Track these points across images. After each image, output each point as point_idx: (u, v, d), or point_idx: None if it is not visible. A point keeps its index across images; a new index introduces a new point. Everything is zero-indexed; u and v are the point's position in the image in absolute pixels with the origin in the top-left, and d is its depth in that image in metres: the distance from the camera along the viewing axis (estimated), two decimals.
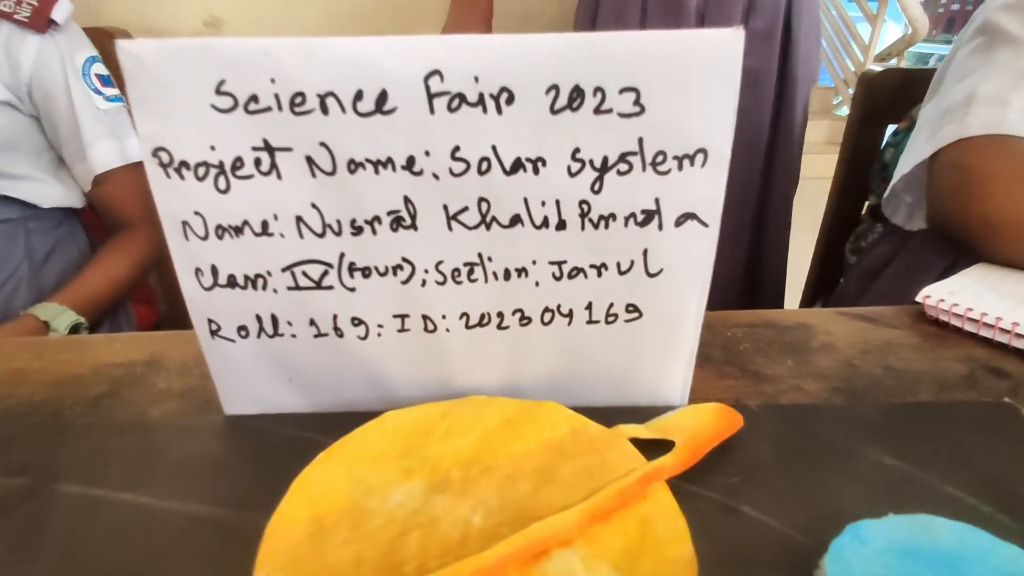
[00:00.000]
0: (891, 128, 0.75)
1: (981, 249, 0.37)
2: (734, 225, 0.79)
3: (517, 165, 0.17)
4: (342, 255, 0.18)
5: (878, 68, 0.76)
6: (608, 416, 0.20)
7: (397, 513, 0.17)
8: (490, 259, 0.18)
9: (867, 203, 0.75)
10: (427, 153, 0.17)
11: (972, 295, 0.30)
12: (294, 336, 0.19)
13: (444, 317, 0.19)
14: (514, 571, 0.15)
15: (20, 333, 0.56)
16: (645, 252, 0.18)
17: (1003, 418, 0.23)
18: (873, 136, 0.75)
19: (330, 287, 0.18)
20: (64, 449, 0.21)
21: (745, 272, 0.85)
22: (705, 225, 0.18)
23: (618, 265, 0.19)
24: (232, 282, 0.18)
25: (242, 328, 0.19)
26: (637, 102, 0.16)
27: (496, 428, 0.20)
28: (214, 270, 0.18)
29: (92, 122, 0.62)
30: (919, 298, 0.31)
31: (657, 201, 0.17)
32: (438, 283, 0.19)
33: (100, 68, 0.63)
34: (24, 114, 0.60)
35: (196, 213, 0.17)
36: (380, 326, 0.19)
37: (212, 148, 0.16)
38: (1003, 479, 0.19)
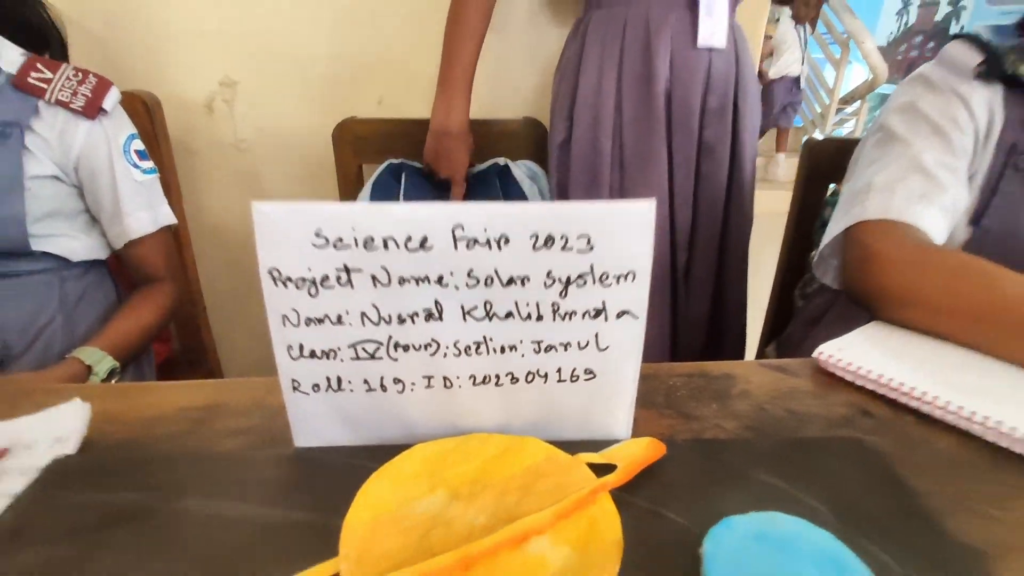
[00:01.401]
0: (831, 187, 0.87)
1: (875, 313, 0.47)
2: (699, 277, 0.89)
3: (510, 281, 0.25)
4: (390, 337, 0.26)
5: (819, 137, 0.87)
6: (572, 447, 0.28)
7: (425, 516, 0.25)
8: (491, 339, 0.27)
9: (812, 254, 0.86)
10: (451, 273, 0.25)
11: (857, 352, 0.40)
12: (351, 391, 0.28)
13: (458, 378, 0.28)
14: (505, 552, 0.23)
15: (66, 375, 0.63)
16: (596, 335, 0.27)
17: (859, 449, 0.32)
18: (816, 194, 0.86)
19: (380, 358, 0.27)
20: (169, 474, 0.29)
21: (710, 319, 0.94)
22: (636, 318, 0.27)
23: (578, 343, 0.27)
24: (312, 355, 0.26)
25: (315, 385, 0.27)
26: (589, 243, 0.25)
27: (493, 457, 0.28)
28: (301, 347, 0.26)
29: (131, 194, 0.71)
30: (815, 354, 0.40)
31: (604, 303, 0.26)
32: (455, 355, 0.27)
33: (138, 144, 0.72)
34: (68, 185, 0.68)
35: (293, 309, 0.26)
36: (413, 384, 0.28)
37: (308, 269, 0.25)
38: (844, 492, 0.28)
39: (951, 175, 0.51)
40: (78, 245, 0.71)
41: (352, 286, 0.25)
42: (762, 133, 3.71)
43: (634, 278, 0.26)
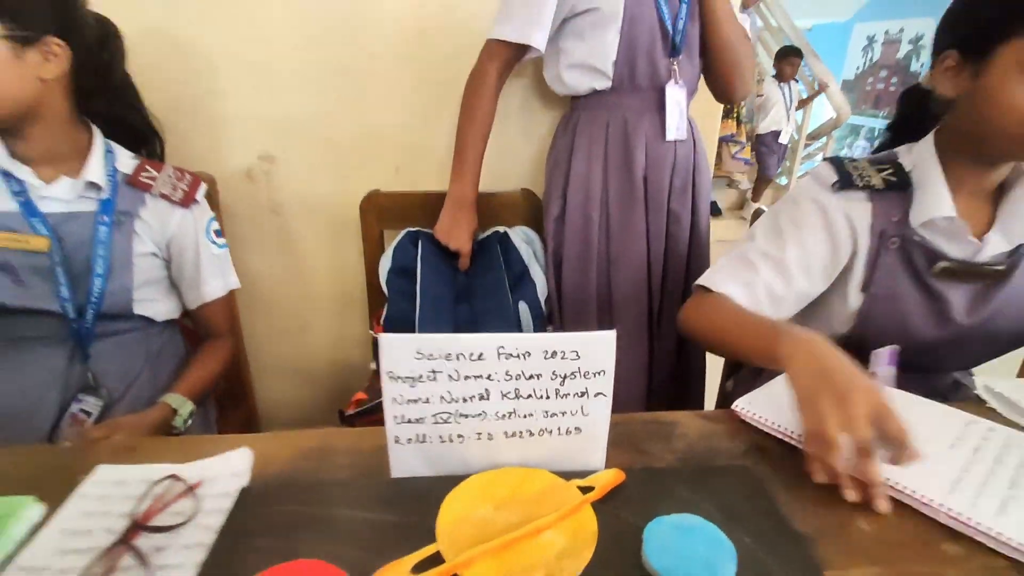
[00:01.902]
0: None
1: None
2: (668, 317, 1.07)
3: (530, 376, 0.43)
4: (457, 410, 0.44)
5: (764, 208, 1.07)
6: (567, 475, 0.46)
7: (482, 518, 0.42)
8: (518, 411, 0.44)
9: None
10: (495, 372, 0.42)
11: (760, 406, 0.57)
12: (431, 443, 0.45)
13: (497, 434, 0.45)
14: (528, 539, 0.40)
15: (159, 417, 0.78)
16: (582, 407, 0.44)
17: (745, 473, 0.49)
18: None
19: (450, 423, 0.44)
20: (315, 493, 0.45)
21: (677, 354, 1.12)
22: (605, 396, 0.44)
23: (571, 412, 0.45)
24: (409, 421, 0.44)
25: (409, 439, 0.44)
26: (577, 355, 0.42)
27: (518, 483, 0.45)
28: (403, 416, 0.43)
29: (209, 265, 0.87)
30: (733, 406, 0.58)
31: (586, 389, 0.44)
32: (495, 420, 0.44)
33: (216, 225, 0.88)
34: (160, 259, 0.84)
35: (400, 394, 0.43)
36: (469, 438, 0.45)
37: (411, 371, 0.42)
38: (730, 501, 0.45)
39: (770, 263, 0.70)
40: (162, 307, 0.87)
41: (436, 380, 0.42)
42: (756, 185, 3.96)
43: (604, 374, 0.43)
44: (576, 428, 0.45)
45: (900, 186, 0.68)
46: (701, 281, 0.74)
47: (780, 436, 0.54)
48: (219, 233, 0.90)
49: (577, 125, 1.02)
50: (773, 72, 3.89)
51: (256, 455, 0.50)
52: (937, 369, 0.77)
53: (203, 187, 0.85)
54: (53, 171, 0.76)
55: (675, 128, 1.02)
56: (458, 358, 0.42)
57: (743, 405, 0.57)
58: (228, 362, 0.94)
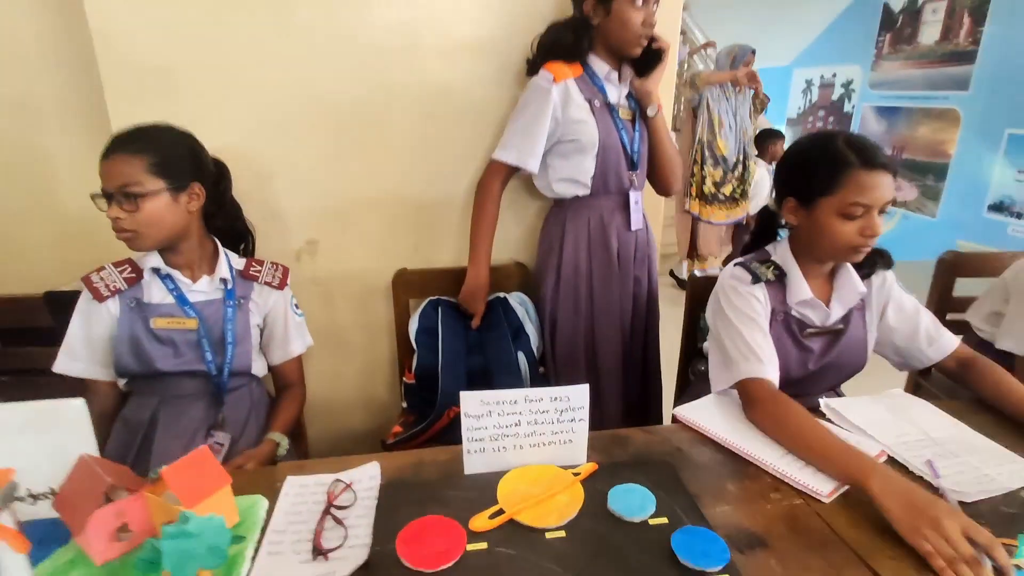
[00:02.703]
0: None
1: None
2: (635, 357, 1.45)
3: (543, 411, 0.78)
4: (502, 432, 0.78)
5: (699, 274, 1.45)
6: (565, 467, 0.80)
7: (521, 491, 0.76)
8: (535, 432, 0.79)
9: (700, 344, 1.41)
10: (523, 410, 0.77)
11: (697, 414, 0.93)
12: (488, 452, 0.79)
13: (525, 445, 0.79)
14: (548, 500, 0.75)
15: (269, 451, 1.10)
16: (572, 428, 0.79)
17: (666, 464, 0.84)
18: (700, 304, 1.42)
19: (497, 439, 0.78)
20: (425, 489, 0.79)
21: (639, 395, 1.49)
22: (583, 420, 0.79)
23: (565, 431, 0.79)
24: (476, 440, 0.78)
25: (476, 451, 0.78)
26: (568, 399, 0.77)
27: (538, 472, 0.79)
28: (472, 438, 0.78)
29: (294, 330, 1.20)
30: (674, 412, 0.93)
31: (573, 417, 0.79)
32: (524, 437, 0.79)
33: (295, 299, 1.21)
34: (260, 328, 1.17)
35: (471, 425, 0.77)
36: (510, 448, 0.79)
37: (477, 410, 0.76)
38: (661, 480, 0.80)
39: (764, 338, 1.01)
40: (259, 365, 1.20)
41: (491, 416, 0.77)
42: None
43: (583, 408, 0.78)
44: (569, 440, 0.80)
45: (780, 278, 1.06)
46: (741, 377, 0.95)
47: (705, 433, 0.90)
48: (297, 306, 1.23)
49: (565, 221, 1.39)
50: (755, 152, 4.14)
51: (385, 467, 0.83)
52: (805, 394, 1.14)
53: (289, 275, 1.19)
54: (194, 272, 1.09)
55: (637, 221, 1.41)
56: (501, 403, 0.76)
57: (683, 412, 0.93)
58: (303, 404, 1.27)
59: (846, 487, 0.77)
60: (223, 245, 1.16)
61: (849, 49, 5.91)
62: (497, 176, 1.35)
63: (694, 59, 3.82)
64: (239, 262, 1.16)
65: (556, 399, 0.78)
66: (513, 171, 1.35)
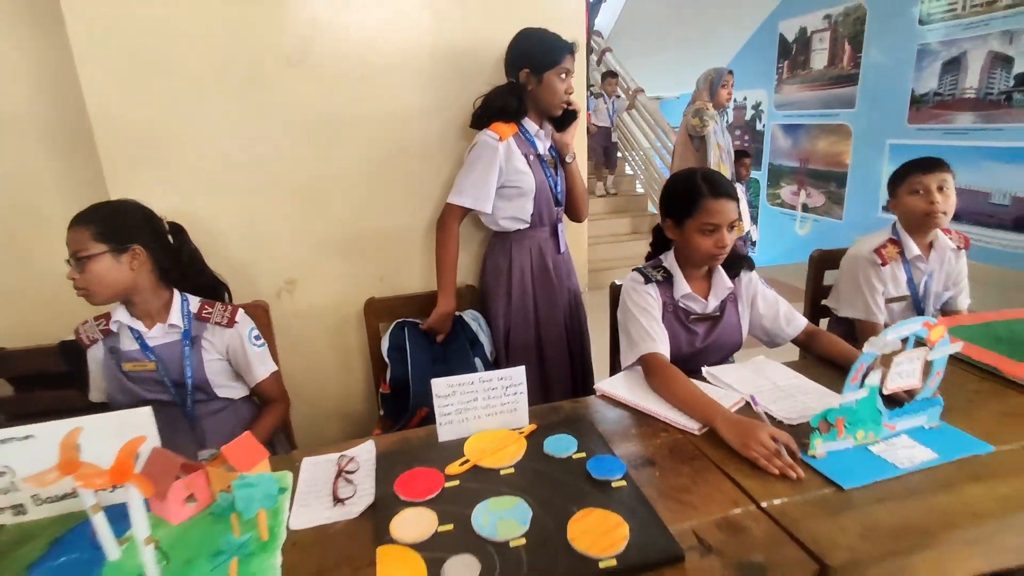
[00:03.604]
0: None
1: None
2: (573, 346, 1.76)
3: (493, 388, 1.07)
4: (465, 406, 1.06)
5: (619, 281, 1.76)
6: (514, 428, 1.09)
7: (481, 446, 1.04)
8: (489, 404, 1.07)
9: None
10: (480, 389, 1.06)
11: (614, 386, 1.23)
12: (455, 423, 1.07)
13: (482, 415, 1.08)
14: (501, 450, 1.03)
15: None
16: (516, 400, 1.08)
17: (585, 421, 1.14)
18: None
19: (462, 412, 1.06)
20: (408, 453, 1.06)
21: (580, 379, 1.80)
22: (524, 394, 1.09)
23: (511, 402, 1.08)
24: (446, 414, 1.06)
25: (447, 423, 1.06)
26: (512, 380, 1.07)
27: (493, 434, 1.07)
28: (443, 412, 1.05)
29: (254, 359, 1.42)
30: (596, 387, 1.23)
31: (517, 392, 1.08)
32: (482, 409, 1.07)
33: (256, 331, 1.42)
34: (223, 360, 1.38)
35: (442, 403, 1.05)
36: (471, 419, 1.07)
37: (445, 392, 1.04)
38: (586, 436, 1.10)
39: (657, 324, 1.36)
40: (233, 390, 1.41)
41: (455, 395, 1.05)
42: None
43: (521, 384, 1.08)
44: (514, 409, 1.09)
45: (667, 279, 1.40)
46: (641, 354, 1.27)
47: (617, 399, 1.21)
48: (259, 338, 1.44)
49: (511, 250, 1.70)
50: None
51: (379, 446, 1.10)
52: (697, 368, 1.47)
53: (240, 311, 1.39)
54: (152, 321, 1.32)
55: (563, 245, 1.74)
56: (463, 384, 1.05)
57: (602, 386, 1.24)
58: (284, 416, 1.49)
59: (707, 426, 1.09)
60: (206, 296, 1.39)
61: (755, 75, 6.60)
62: (455, 217, 1.65)
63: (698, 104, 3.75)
64: (195, 304, 1.36)
65: (502, 379, 1.07)
66: (467, 212, 1.65)
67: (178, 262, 1.36)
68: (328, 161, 1.68)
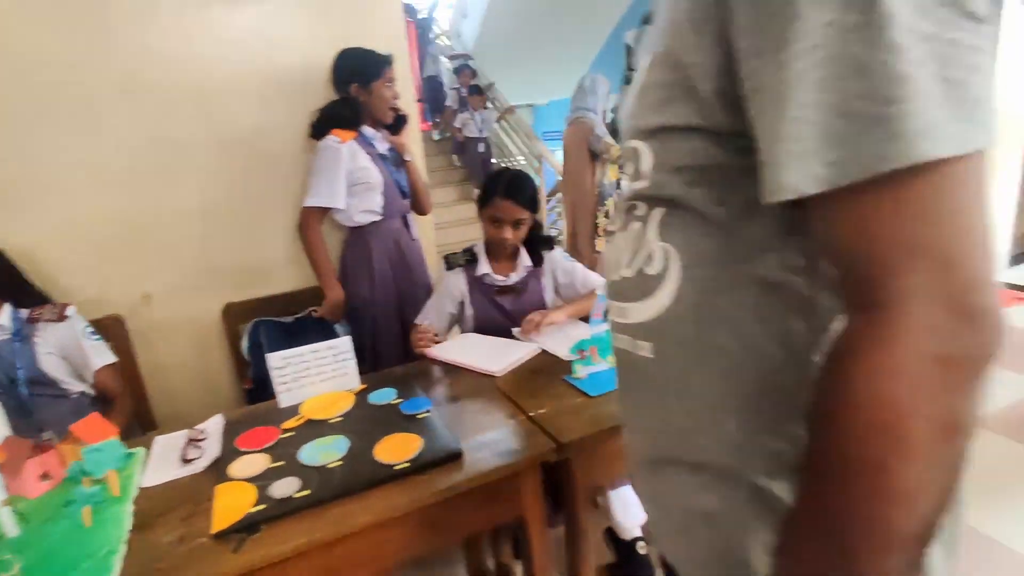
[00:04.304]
0: None
1: None
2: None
3: (323, 358, 1.28)
4: (298, 375, 1.27)
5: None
6: (348, 390, 1.31)
7: (314, 406, 1.24)
8: (319, 373, 1.28)
9: None
10: (310, 360, 1.27)
11: (442, 351, 1.48)
12: (291, 391, 1.27)
13: (317, 383, 1.29)
14: (332, 405, 1.25)
15: None
16: (346, 365, 1.30)
17: (412, 378, 1.39)
18: None
19: (297, 380, 1.27)
20: (249, 419, 1.24)
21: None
22: (352, 360, 1.31)
23: (342, 369, 1.30)
24: (284, 383, 1.25)
25: (284, 391, 1.26)
26: (340, 349, 1.28)
27: (326, 396, 1.29)
28: (281, 381, 1.25)
29: (91, 351, 1.53)
30: (427, 352, 1.48)
31: (345, 359, 1.30)
32: (315, 375, 1.28)
33: (89, 328, 1.54)
34: (57, 356, 1.50)
35: (280, 375, 1.24)
36: (305, 387, 1.28)
37: (281, 364, 1.24)
38: (405, 384, 1.34)
39: (440, 301, 1.65)
40: (75, 383, 1.52)
41: (287, 369, 1.25)
42: None
43: (348, 351, 1.30)
44: (344, 373, 1.31)
45: (471, 261, 1.68)
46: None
47: (445, 360, 1.46)
48: (93, 332, 1.54)
49: (369, 242, 1.90)
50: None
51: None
52: (508, 332, 1.76)
53: (71, 307, 1.51)
54: None
55: (415, 232, 1.98)
56: (296, 356, 1.25)
57: (434, 352, 1.49)
58: (127, 410, 1.60)
59: (510, 368, 1.38)
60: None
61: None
62: (315, 219, 1.83)
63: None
64: (26, 313, 1.49)
65: (330, 348, 1.29)
66: (325, 211, 1.83)
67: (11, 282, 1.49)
68: (174, 181, 1.80)
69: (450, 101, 6.01)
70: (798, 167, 0.38)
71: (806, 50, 0.37)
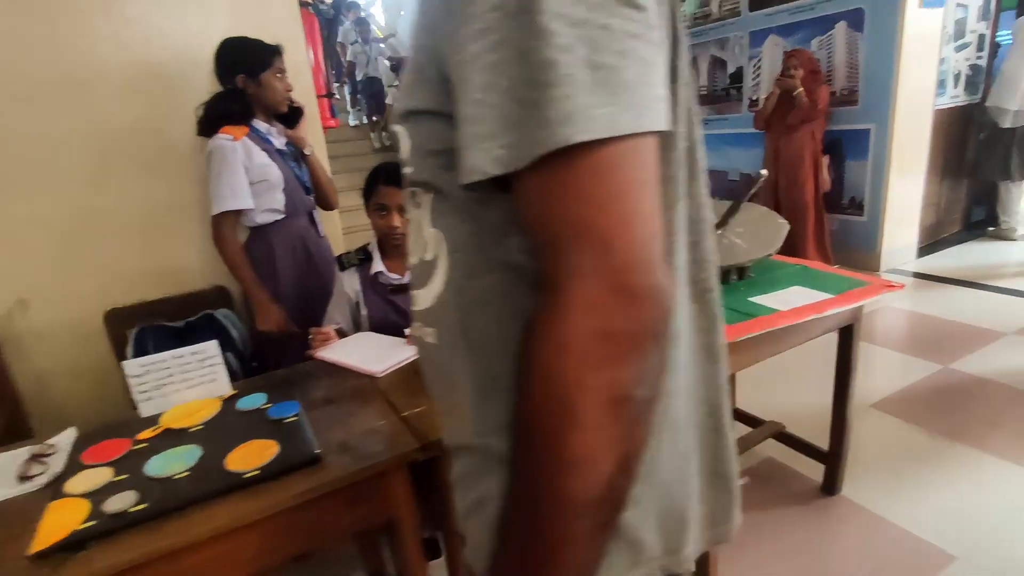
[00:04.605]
0: None
1: None
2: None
3: (189, 364, 1.22)
4: (161, 383, 1.20)
5: None
6: (217, 397, 1.25)
7: (177, 414, 1.18)
8: (187, 381, 1.22)
9: None
10: (176, 365, 1.20)
11: (330, 352, 1.44)
12: (154, 399, 1.20)
13: (183, 391, 1.22)
14: (192, 414, 1.19)
15: None
16: (213, 372, 1.25)
17: (289, 381, 1.34)
18: None
19: (159, 389, 1.20)
20: (103, 432, 1.17)
21: None
22: (218, 365, 1.25)
23: (210, 375, 1.24)
24: (144, 391, 1.19)
25: (146, 400, 1.19)
26: (208, 353, 1.23)
27: (193, 404, 1.23)
28: (141, 390, 1.18)
29: None
30: (315, 354, 1.43)
31: (212, 370, 1.24)
32: (181, 383, 1.22)
33: None
34: None
35: (138, 383, 1.18)
36: (170, 394, 1.21)
37: (139, 371, 1.18)
38: (279, 389, 1.29)
39: (337, 302, 1.61)
40: None
41: (149, 376, 1.19)
42: None
43: (216, 356, 1.24)
44: (213, 379, 1.25)
45: (364, 260, 1.64)
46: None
47: (339, 364, 1.41)
48: None
49: (272, 241, 1.82)
50: None
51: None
52: (402, 334, 1.74)
53: None
54: None
55: (322, 230, 1.92)
56: (156, 363, 1.19)
57: (321, 352, 1.44)
58: None
59: (392, 368, 1.35)
60: None
61: None
62: (228, 226, 1.74)
63: None
64: None
65: (195, 353, 1.23)
66: (237, 215, 1.74)
67: None
68: (44, 180, 1.69)
69: (390, 99, 5.93)
70: (483, 149, 0.38)
71: (479, 32, 0.36)
